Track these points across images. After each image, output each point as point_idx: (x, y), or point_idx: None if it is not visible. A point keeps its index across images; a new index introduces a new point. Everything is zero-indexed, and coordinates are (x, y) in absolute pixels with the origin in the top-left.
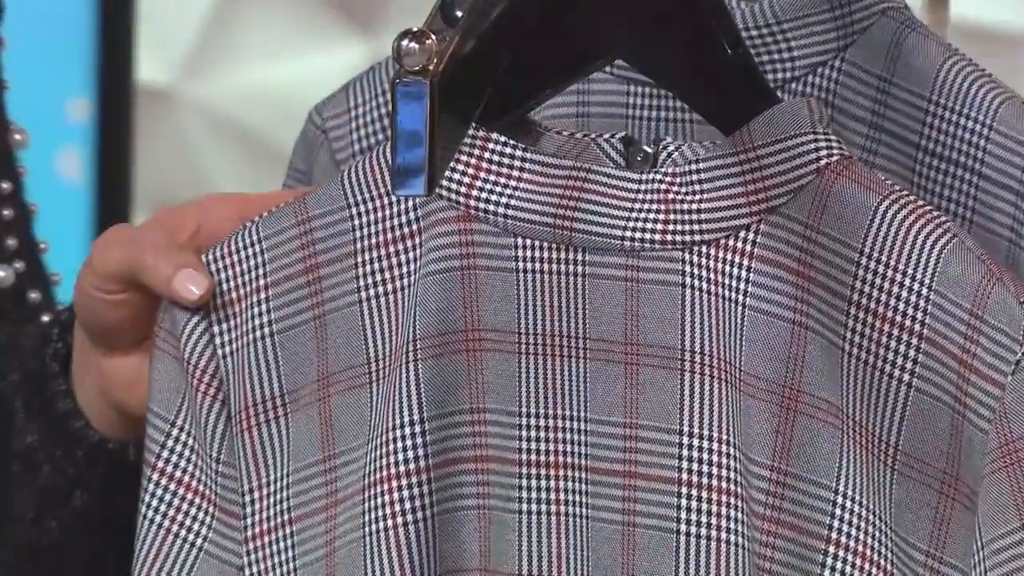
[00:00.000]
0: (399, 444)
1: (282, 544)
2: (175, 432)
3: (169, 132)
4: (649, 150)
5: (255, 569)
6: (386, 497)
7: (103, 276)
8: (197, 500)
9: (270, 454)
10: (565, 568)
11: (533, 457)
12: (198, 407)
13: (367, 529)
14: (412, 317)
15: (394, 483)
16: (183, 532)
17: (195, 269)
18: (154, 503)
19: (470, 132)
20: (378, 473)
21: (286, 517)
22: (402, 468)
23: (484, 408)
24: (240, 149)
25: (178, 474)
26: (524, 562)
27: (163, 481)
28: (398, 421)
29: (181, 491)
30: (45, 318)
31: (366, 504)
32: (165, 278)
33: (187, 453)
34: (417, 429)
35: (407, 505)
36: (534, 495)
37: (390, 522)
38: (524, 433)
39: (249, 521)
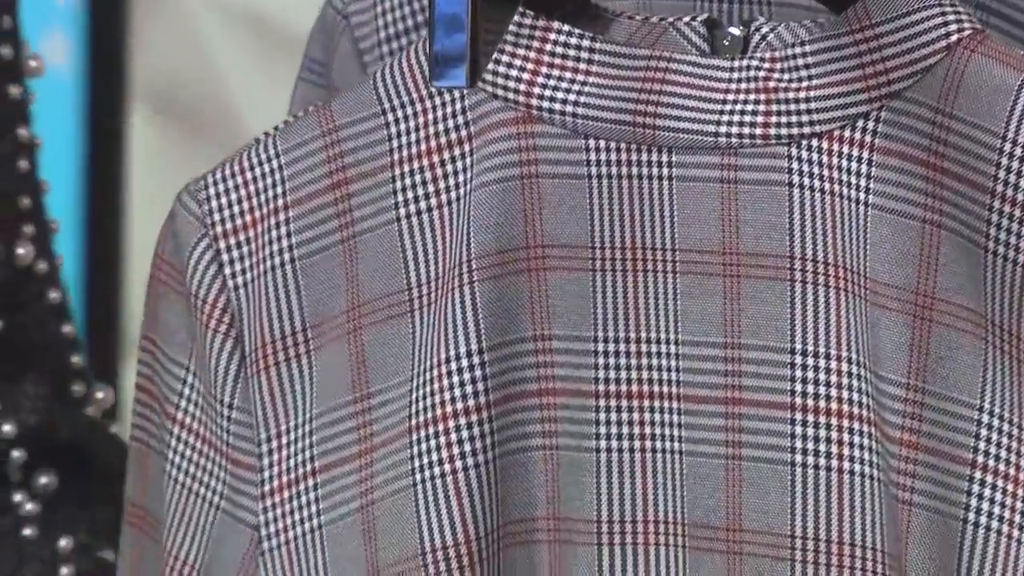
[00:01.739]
0: (453, 379)
1: (304, 499)
2: (190, 379)
3: (169, 12)
4: (737, 33)
5: (273, 528)
6: (440, 439)
7: None
8: (212, 453)
9: (290, 398)
10: (655, 510)
11: (612, 387)
12: (207, 346)
13: (417, 476)
14: (465, 235)
15: (449, 423)
16: (202, 490)
17: None
18: (177, 460)
19: (527, 22)
20: (428, 413)
21: (309, 468)
22: (458, 406)
23: (549, 335)
24: (250, 34)
25: (196, 426)
26: (604, 506)
27: (183, 435)
28: (452, 352)
29: (198, 444)
30: (53, 295)
31: (414, 448)
32: None
33: (200, 401)
34: (476, 360)
35: (464, 448)
36: (614, 430)
37: (446, 467)
38: (600, 360)
39: (266, 475)
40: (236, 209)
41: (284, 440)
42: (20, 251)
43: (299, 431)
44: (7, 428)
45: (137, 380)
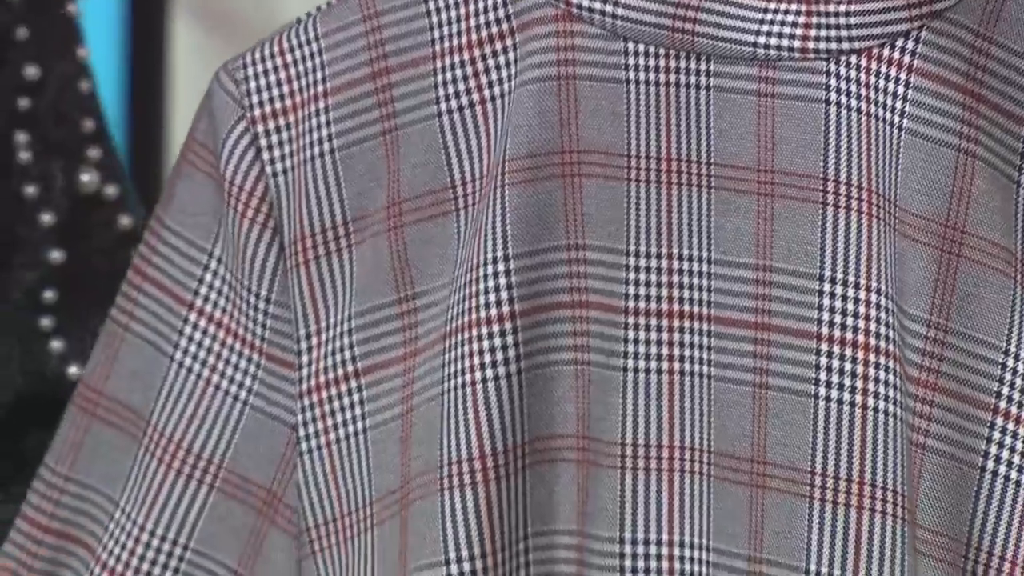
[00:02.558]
0: (481, 285)
1: (346, 400)
2: (214, 265)
3: None
4: None
5: (312, 429)
6: (466, 347)
7: None
8: (239, 347)
9: (331, 293)
10: (680, 436)
11: (643, 304)
12: (241, 236)
13: (445, 385)
14: (503, 135)
15: (475, 331)
16: (225, 384)
17: None
18: (192, 348)
19: None
20: (459, 319)
21: (351, 368)
22: (483, 314)
23: (583, 244)
24: None
25: (218, 315)
26: (629, 429)
27: (202, 323)
28: (483, 258)
29: (222, 335)
30: (123, 221)
31: (447, 355)
32: None
33: (227, 291)
34: (501, 267)
35: (489, 358)
36: (643, 349)
37: (469, 376)
38: (632, 275)
39: (305, 372)
40: (276, 92)
41: (324, 337)
42: (84, 178)
43: (339, 328)
44: (73, 371)
45: (134, 260)
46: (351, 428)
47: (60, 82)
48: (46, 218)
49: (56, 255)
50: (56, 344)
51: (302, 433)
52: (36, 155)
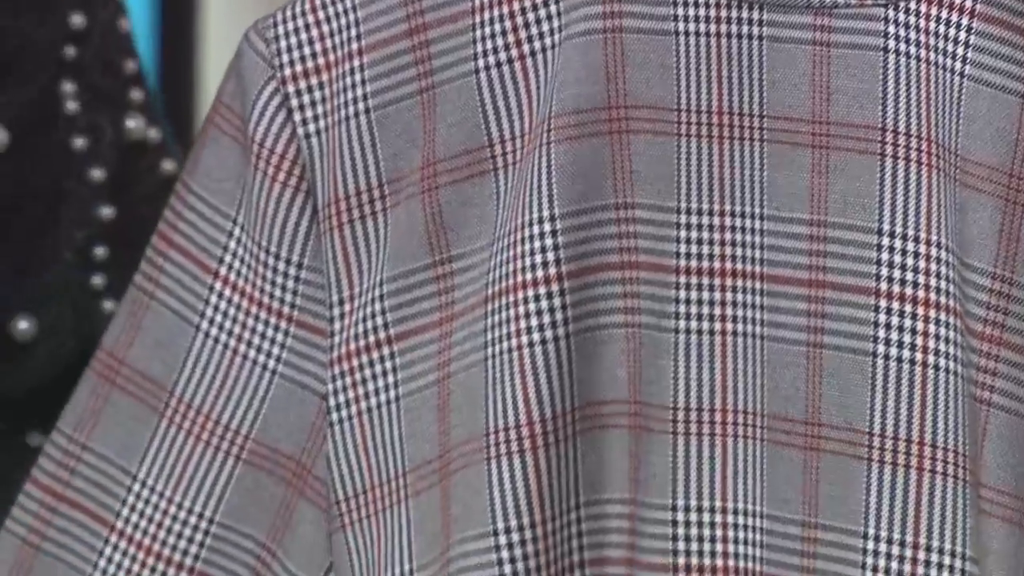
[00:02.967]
0: (526, 246)
1: (378, 368)
2: (237, 232)
3: None
4: None
5: (343, 398)
6: (512, 311)
7: None
8: (264, 315)
9: (364, 258)
10: (733, 399)
11: (694, 263)
12: (272, 200)
13: (490, 351)
14: (549, 91)
15: (520, 294)
16: (252, 352)
17: None
18: (218, 318)
19: None
20: (502, 282)
21: (383, 335)
22: (528, 276)
23: (632, 203)
24: None
25: (242, 284)
26: (681, 392)
27: (227, 292)
28: (527, 218)
29: (246, 304)
30: (166, 166)
31: (489, 319)
32: None
33: (249, 259)
34: (547, 228)
35: (536, 321)
36: (694, 310)
37: (515, 341)
38: (683, 233)
39: (337, 339)
40: (308, 51)
41: (356, 303)
42: (130, 124)
43: (371, 294)
44: None
45: (160, 225)
46: (383, 397)
47: (104, 27)
48: (96, 173)
49: (107, 211)
50: (108, 304)
51: (332, 403)
52: (84, 105)
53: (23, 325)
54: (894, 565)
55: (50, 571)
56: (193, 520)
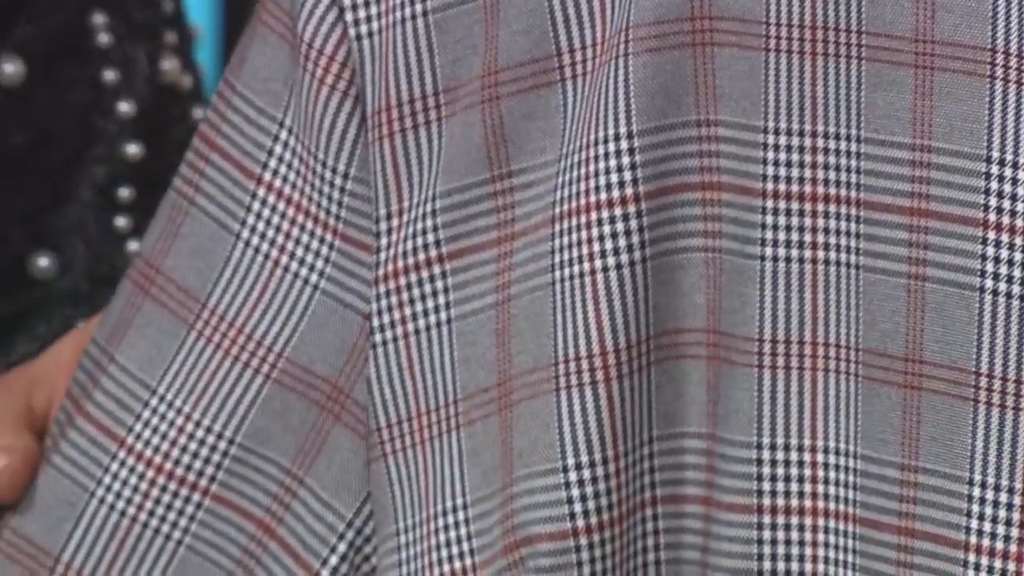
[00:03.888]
0: (600, 164)
1: (429, 287)
2: (284, 136)
3: None
4: None
5: (388, 318)
6: (582, 233)
7: None
8: (311, 226)
9: (416, 170)
10: (825, 331)
11: (782, 187)
12: (319, 105)
13: (557, 274)
14: None
15: (592, 215)
16: (294, 265)
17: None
18: (260, 226)
19: None
20: (572, 201)
21: (435, 253)
22: (603, 196)
23: (716, 120)
24: None
25: (288, 191)
26: (768, 323)
27: (271, 199)
28: (602, 134)
29: (292, 212)
30: (197, 113)
31: (556, 241)
32: None
33: (297, 164)
34: (624, 145)
35: (610, 244)
36: (782, 236)
37: (587, 265)
38: (771, 155)
39: (384, 256)
40: None
41: (405, 218)
42: (165, 65)
43: (421, 209)
44: None
45: (200, 126)
46: (433, 319)
47: None
48: (125, 107)
49: (134, 149)
50: (134, 247)
51: (376, 323)
52: (117, 38)
53: (43, 263)
54: (1002, 513)
55: (55, 485)
56: (211, 440)
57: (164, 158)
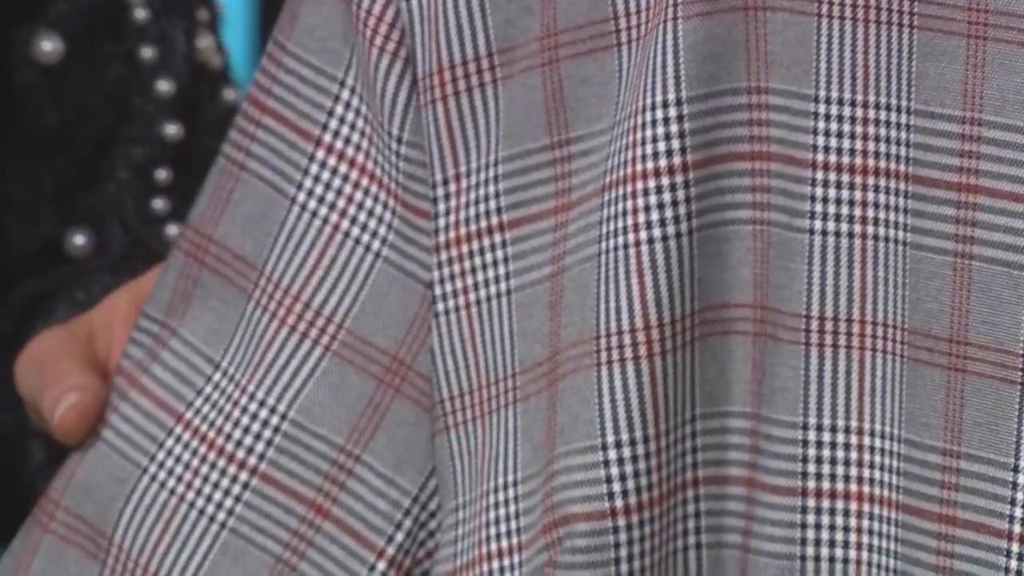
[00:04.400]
0: (647, 132)
1: (489, 256)
2: (346, 95)
3: None
4: None
5: (450, 287)
6: (629, 203)
7: (31, 410)
8: (375, 189)
9: (472, 134)
10: (872, 309)
11: (833, 158)
12: (371, 67)
13: (603, 245)
14: None
15: (639, 184)
16: (356, 231)
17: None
18: (318, 190)
19: None
20: (620, 170)
21: (495, 221)
22: (649, 165)
23: (766, 87)
24: None
25: (351, 152)
26: (815, 299)
27: (331, 161)
28: (649, 101)
29: (355, 175)
30: (228, 94)
31: (604, 211)
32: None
33: (361, 125)
34: (672, 112)
35: (656, 215)
36: (832, 209)
37: (632, 236)
38: (821, 124)
39: (443, 222)
40: None
41: (464, 184)
42: (201, 43)
43: (482, 175)
44: None
45: (251, 91)
46: (493, 289)
47: None
48: (164, 86)
49: (172, 129)
50: (173, 230)
51: (438, 292)
52: (154, 13)
53: (79, 241)
54: None
55: (105, 461)
56: (264, 414)
57: (200, 139)
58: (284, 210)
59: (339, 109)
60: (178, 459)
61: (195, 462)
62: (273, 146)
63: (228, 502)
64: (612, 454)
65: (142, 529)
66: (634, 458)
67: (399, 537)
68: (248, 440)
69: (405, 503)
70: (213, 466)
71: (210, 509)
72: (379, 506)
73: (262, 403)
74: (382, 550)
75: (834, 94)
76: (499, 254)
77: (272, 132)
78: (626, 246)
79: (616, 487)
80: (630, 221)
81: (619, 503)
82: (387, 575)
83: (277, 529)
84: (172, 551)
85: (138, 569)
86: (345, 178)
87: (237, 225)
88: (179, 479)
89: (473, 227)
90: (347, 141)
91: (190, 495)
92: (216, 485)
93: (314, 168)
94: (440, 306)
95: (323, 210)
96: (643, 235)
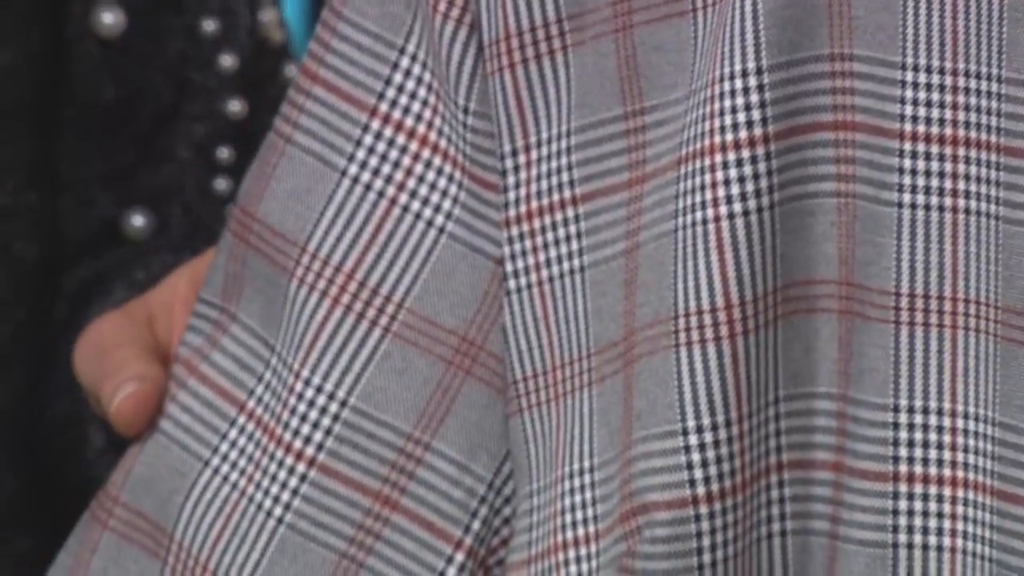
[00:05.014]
0: (726, 102)
1: (562, 232)
2: (405, 63)
3: None
4: None
5: (522, 264)
6: (707, 176)
7: (90, 397)
8: (438, 161)
9: (542, 103)
10: (964, 286)
11: (921, 128)
12: (435, 34)
13: (680, 220)
14: None
15: (717, 157)
16: (416, 205)
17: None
18: (372, 161)
19: None
20: (697, 142)
21: (568, 194)
22: (729, 137)
23: (850, 54)
24: None
25: (410, 123)
26: (905, 275)
27: (387, 132)
28: (727, 69)
29: (415, 147)
30: (288, 71)
31: (680, 185)
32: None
33: (423, 94)
34: (752, 82)
35: (737, 189)
36: (921, 181)
37: (711, 212)
38: (909, 93)
39: (513, 196)
40: None
41: (534, 155)
42: (264, 17)
43: (554, 146)
44: None
45: (304, 61)
46: (566, 265)
47: None
48: (227, 61)
49: (236, 106)
50: None
51: (509, 268)
52: None
53: (137, 222)
54: None
55: (163, 453)
56: (321, 400)
57: (260, 117)
58: (332, 183)
59: (397, 77)
60: (241, 451)
61: (257, 454)
62: (323, 117)
63: (285, 496)
64: (693, 439)
65: (202, 525)
66: (716, 443)
67: (475, 526)
68: (305, 429)
69: (480, 490)
70: (272, 457)
71: (267, 503)
72: (454, 495)
73: (319, 389)
74: (460, 540)
75: (922, 61)
76: (572, 229)
77: (322, 103)
78: (704, 222)
79: (697, 473)
80: (708, 195)
81: (701, 490)
82: (466, 566)
83: (340, 524)
84: (231, 548)
85: (198, 567)
86: (403, 149)
87: (279, 201)
88: (241, 472)
89: (545, 201)
90: (406, 111)
91: (250, 489)
92: (274, 478)
93: (368, 139)
94: (512, 283)
95: (378, 183)
96: (723, 210)
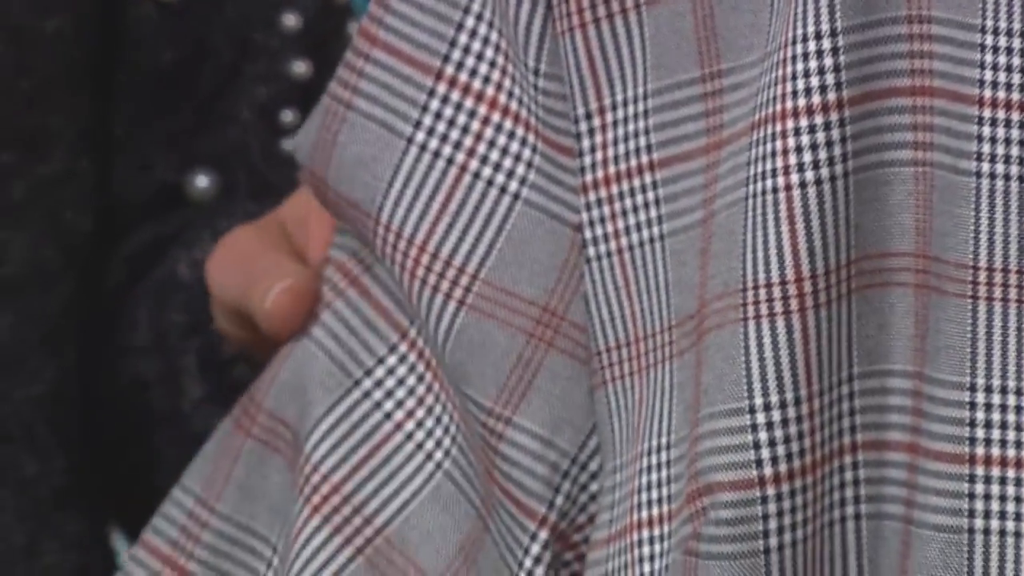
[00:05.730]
0: (798, 66)
1: (640, 198)
2: (471, 23)
3: None
4: None
5: (601, 231)
6: (779, 143)
7: (224, 311)
8: (509, 125)
9: (615, 64)
10: None
11: (1002, 94)
12: None
13: (750, 189)
14: None
15: (790, 123)
16: (488, 171)
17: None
18: (440, 127)
19: None
20: (769, 107)
21: (646, 160)
22: (801, 102)
23: (928, 16)
24: None
25: (478, 86)
26: (983, 248)
27: (454, 96)
28: (801, 32)
29: (483, 110)
30: (351, 28)
31: (753, 152)
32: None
33: (491, 55)
34: (826, 44)
35: (809, 156)
36: (1001, 150)
37: (782, 180)
38: (989, 57)
39: (589, 160)
40: None
41: (610, 118)
42: None
43: (631, 108)
44: None
45: (362, 23)
46: (645, 233)
47: None
48: (290, 20)
49: (300, 67)
50: None
51: (588, 235)
52: None
53: (201, 183)
54: None
55: (311, 361)
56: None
57: (324, 78)
58: (399, 152)
59: (463, 38)
60: (399, 379)
61: (411, 380)
62: (386, 82)
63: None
64: (760, 417)
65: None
66: (784, 421)
67: (559, 502)
68: (378, 396)
69: (564, 465)
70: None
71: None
72: (538, 470)
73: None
74: (544, 517)
75: (1002, 24)
76: (650, 196)
77: (383, 66)
78: (775, 190)
79: (765, 453)
80: (779, 163)
81: (768, 471)
82: (550, 544)
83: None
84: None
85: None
86: (472, 114)
87: (346, 169)
88: (388, 394)
89: (623, 166)
90: (473, 73)
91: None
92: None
93: (435, 104)
94: (591, 251)
95: (447, 149)
96: (794, 178)
